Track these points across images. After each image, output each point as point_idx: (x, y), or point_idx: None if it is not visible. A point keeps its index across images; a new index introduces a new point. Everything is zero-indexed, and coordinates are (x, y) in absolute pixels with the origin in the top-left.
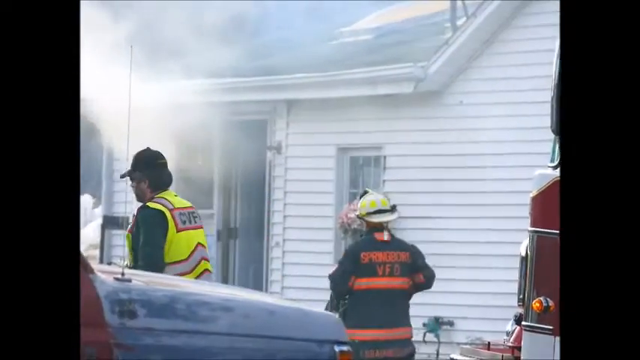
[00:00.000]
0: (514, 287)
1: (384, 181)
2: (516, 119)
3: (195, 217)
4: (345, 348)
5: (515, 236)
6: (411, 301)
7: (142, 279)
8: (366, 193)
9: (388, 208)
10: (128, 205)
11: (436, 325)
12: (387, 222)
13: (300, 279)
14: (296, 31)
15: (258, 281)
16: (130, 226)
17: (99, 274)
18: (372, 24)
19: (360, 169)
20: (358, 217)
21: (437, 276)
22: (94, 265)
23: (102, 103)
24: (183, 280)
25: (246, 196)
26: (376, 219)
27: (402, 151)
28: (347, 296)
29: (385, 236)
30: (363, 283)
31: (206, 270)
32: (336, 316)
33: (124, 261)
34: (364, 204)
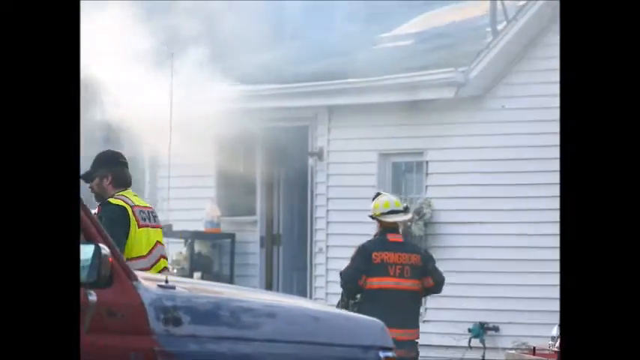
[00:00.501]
0: (553, 291)
1: (426, 186)
2: (556, 124)
3: (154, 217)
4: (390, 354)
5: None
6: (456, 306)
7: (186, 286)
8: (378, 194)
9: (401, 208)
10: (171, 212)
11: (481, 330)
12: (400, 222)
13: None
14: (337, 37)
15: (301, 288)
16: None
17: (142, 281)
18: (413, 29)
19: (402, 175)
20: (371, 217)
21: (481, 281)
22: (138, 272)
23: (144, 110)
24: (226, 286)
25: (289, 203)
26: (390, 219)
27: (444, 156)
28: (358, 295)
29: (398, 237)
30: (374, 282)
31: (165, 268)
32: (381, 322)
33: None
34: (377, 204)
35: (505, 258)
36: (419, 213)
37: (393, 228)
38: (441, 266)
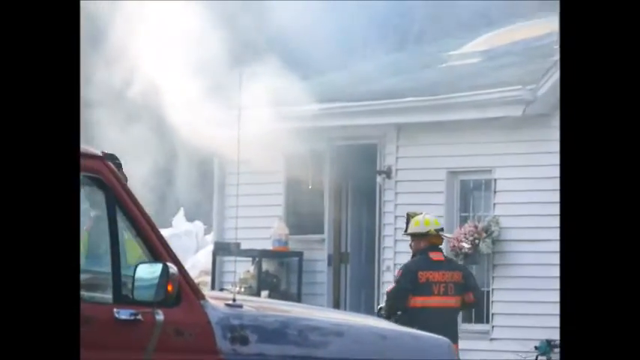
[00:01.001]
0: None
1: (494, 204)
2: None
3: None
4: None
5: None
6: (523, 324)
7: (253, 304)
8: (415, 214)
9: (441, 227)
10: (239, 231)
11: (548, 347)
12: (440, 240)
13: None
14: (406, 55)
15: (369, 306)
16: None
17: (210, 300)
18: (481, 47)
19: (471, 193)
20: (411, 235)
21: (548, 299)
22: (206, 291)
23: (212, 128)
24: (294, 305)
25: (357, 221)
26: (434, 238)
27: (513, 174)
28: (399, 312)
29: (440, 256)
30: (418, 301)
31: None
32: (448, 340)
33: (236, 287)
34: (417, 222)
35: None
36: (487, 231)
37: (435, 246)
38: (508, 284)
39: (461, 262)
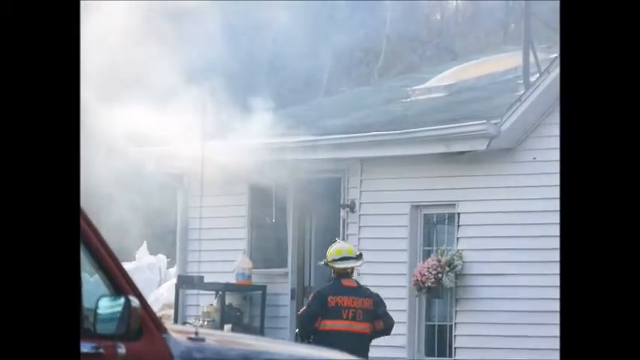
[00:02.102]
0: None
1: (457, 238)
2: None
3: None
4: None
5: None
6: (487, 358)
7: (216, 338)
8: (335, 242)
9: (354, 255)
10: (202, 264)
11: None
12: (351, 268)
13: None
14: (370, 89)
15: None
16: None
17: (172, 333)
18: (445, 81)
19: (434, 227)
20: (325, 264)
21: (513, 333)
22: (168, 325)
23: (176, 160)
24: (256, 338)
25: (320, 255)
26: (341, 265)
27: (476, 208)
28: (312, 336)
29: (352, 282)
30: (328, 324)
31: None
32: None
33: (199, 320)
34: (331, 252)
35: (537, 310)
36: (450, 265)
37: (346, 273)
38: (471, 318)
39: (424, 296)
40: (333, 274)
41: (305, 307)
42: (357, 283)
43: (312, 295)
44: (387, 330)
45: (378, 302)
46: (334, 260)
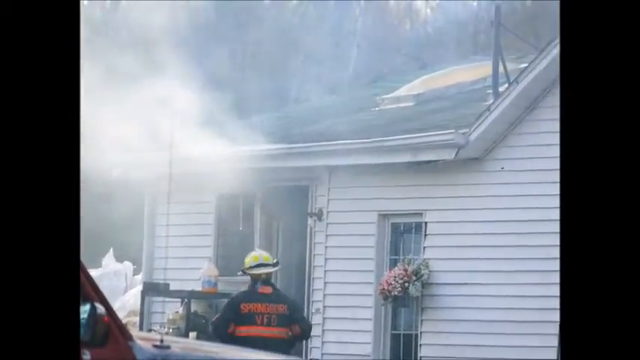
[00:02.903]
0: (552, 353)
1: (424, 247)
2: (554, 186)
3: None
4: None
5: (554, 303)
6: None
7: (181, 345)
8: (252, 250)
9: (270, 262)
10: (168, 272)
11: None
12: (267, 274)
13: (341, 345)
14: (339, 98)
15: (299, 348)
16: None
17: (138, 341)
18: (415, 91)
19: (401, 236)
20: (243, 271)
21: (479, 343)
22: (134, 332)
23: (144, 169)
24: (221, 346)
25: (287, 263)
26: (257, 271)
27: (443, 217)
28: (227, 341)
29: (267, 289)
30: (243, 330)
31: None
32: None
33: (165, 328)
34: (248, 259)
35: (503, 319)
36: (416, 274)
37: (262, 280)
38: (437, 327)
39: (390, 305)
40: (250, 281)
41: (218, 314)
42: (274, 289)
43: (226, 302)
44: (304, 334)
45: (294, 308)
46: (250, 267)
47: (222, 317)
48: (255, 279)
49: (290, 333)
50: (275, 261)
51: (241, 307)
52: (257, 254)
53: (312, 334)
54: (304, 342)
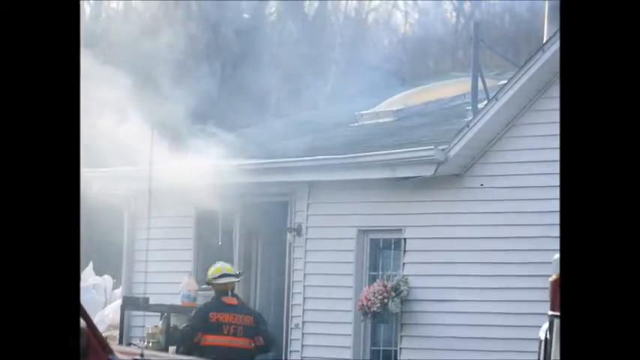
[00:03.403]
0: None
1: (403, 263)
2: (533, 203)
3: None
4: None
5: (533, 320)
6: None
7: (160, 359)
8: (215, 263)
9: (233, 273)
10: (148, 286)
11: None
12: (231, 285)
13: None
14: (318, 114)
15: None
16: None
17: (118, 354)
18: (394, 106)
19: (380, 252)
20: (207, 283)
21: (458, 358)
22: (114, 346)
23: (123, 183)
24: None
25: (267, 278)
26: (221, 281)
27: (423, 233)
28: (193, 351)
29: (232, 300)
30: (209, 339)
31: None
32: None
33: (144, 342)
34: (211, 271)
35: (483, 336)
36: (396, 290)
37: (226, 291)
38: (416, 343)
39: (369, 321)
40: (215, 293)
41: (187, 324)
42: (239, 300)
43: (193, 311)
44: (267, 346)
45: (259, 320)
46: (214, 278)
47: (191, 326)
48: (219, 290)
49: (254, 344)
50: (238, 272)
51: (210, 315)
52: (220, 266)
53: (291, 349)
54: (285, 357)
